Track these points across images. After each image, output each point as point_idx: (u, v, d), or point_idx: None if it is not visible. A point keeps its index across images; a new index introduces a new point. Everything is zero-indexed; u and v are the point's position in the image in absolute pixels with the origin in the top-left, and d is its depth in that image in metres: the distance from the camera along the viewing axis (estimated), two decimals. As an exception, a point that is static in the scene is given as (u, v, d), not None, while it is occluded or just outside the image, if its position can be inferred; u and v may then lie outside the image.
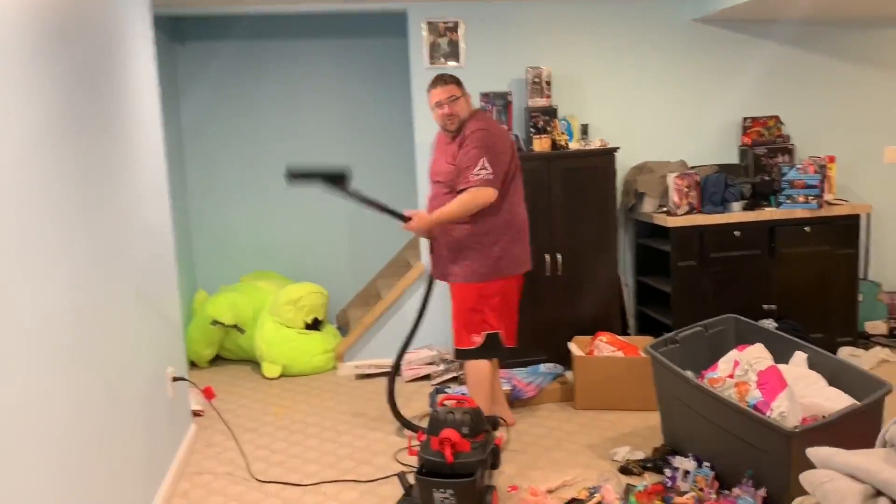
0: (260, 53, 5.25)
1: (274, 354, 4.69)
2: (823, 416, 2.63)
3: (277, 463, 3.48)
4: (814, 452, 1.46)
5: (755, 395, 2.70)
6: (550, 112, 4.49)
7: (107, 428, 2.43)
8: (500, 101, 4.52)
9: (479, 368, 3.47)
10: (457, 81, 3.40)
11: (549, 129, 4.44)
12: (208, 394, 3.51)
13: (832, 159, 4.54)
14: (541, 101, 4.51)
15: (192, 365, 4.91)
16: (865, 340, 4.66)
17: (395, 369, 3.61)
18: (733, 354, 3.00)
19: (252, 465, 3.40)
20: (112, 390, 2.51)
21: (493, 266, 3.37)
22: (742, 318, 3.39)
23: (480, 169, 3.21)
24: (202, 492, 3.20)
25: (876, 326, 4.79)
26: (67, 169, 2.20)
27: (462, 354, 3.51)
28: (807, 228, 4.41)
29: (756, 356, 2.90)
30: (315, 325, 4.87)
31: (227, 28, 5.18)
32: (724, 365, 2.96)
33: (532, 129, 4.46)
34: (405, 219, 3.35)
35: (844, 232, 4.48)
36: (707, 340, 3.32)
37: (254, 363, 4.92)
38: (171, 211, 3.70)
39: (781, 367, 2.88)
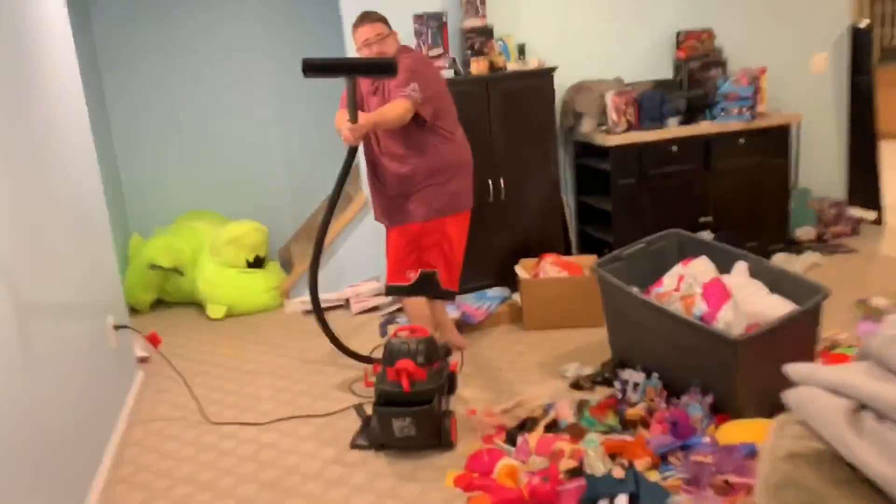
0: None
1: (217, 295, 4.60)
2: (766, 324, 2.72)
3: (231, 404, 3.44)
4: (794, 370, 1.49)
5: (701, 307, 2.77)
6: (486, 32, 4.38)
7: (49, 384, 2.35)
8: (434, 23, 4.38)
9: (416, 303, 3.49)
10: (383, 19, 3.30)
11: (485, 50, 4.35)
12: (154, 340, 3.43)
13: (764, 70, 4.58)
14: (476, 21, 4.40)
15: (133, 311, 4.79)
16: (797, 246, 4.83)
17: (317, 303, 3.44)
18: (678, 269, 3.06)
19: (205, 409, 3.36)
20: (50, 344, 2.41)
21: (450, 202, 3.38)
22: (684, 232, 3.44)
23: (411, 91, 3.15)
24: (156, 439, 3.16)
25: (806, 232, 4.95)
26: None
27: (393, 290, 3.51)
28: (741, 140, 4.48)
29: (700, 269, 2.97)
30: (257, 263, 4.78)
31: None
32: (669, 280, 3.02)
33: (469, 52, 4.36)
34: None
35: (776, 142, 4.56)
36: (650, 256, 3.37)
37: (197, 305, 4.82)
38: (96, 153, 3.52)
39: (724, 277, 2.96)
